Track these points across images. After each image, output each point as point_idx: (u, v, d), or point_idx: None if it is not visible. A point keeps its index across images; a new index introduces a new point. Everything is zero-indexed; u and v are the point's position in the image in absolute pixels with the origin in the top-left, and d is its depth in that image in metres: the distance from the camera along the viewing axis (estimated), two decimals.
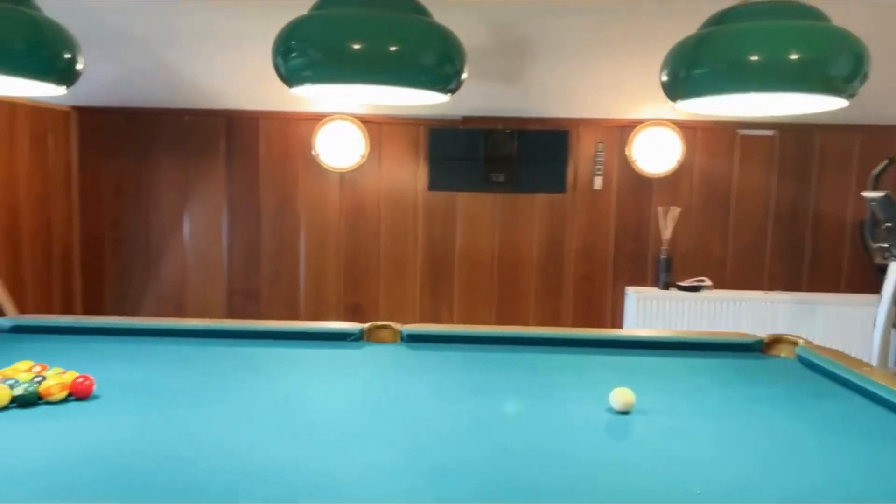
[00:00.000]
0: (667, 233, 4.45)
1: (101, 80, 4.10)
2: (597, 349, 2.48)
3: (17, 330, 2.68)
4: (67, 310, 4.49)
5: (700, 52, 1.66)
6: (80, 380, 1.91)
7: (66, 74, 1.80)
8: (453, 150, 4.46)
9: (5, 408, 1.81)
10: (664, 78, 1.76)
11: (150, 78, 4.12)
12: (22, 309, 4.02)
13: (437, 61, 1.65)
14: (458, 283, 4.58)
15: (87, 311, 4.55)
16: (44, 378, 1.90)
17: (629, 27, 3.41)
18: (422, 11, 1.67)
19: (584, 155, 4.51)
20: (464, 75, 1.74)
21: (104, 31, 3.59)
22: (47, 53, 1.73)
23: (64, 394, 1.88)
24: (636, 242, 4.57)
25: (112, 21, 3.51)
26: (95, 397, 1.91)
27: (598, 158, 4.50)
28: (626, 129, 4.48)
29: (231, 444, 1.56)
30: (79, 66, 1.83)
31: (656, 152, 4.47)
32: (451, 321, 4.52)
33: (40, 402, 1.85)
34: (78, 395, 1.89)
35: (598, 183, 4.53)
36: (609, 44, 3.60)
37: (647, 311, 4.33)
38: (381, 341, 2.55)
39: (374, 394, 1.96)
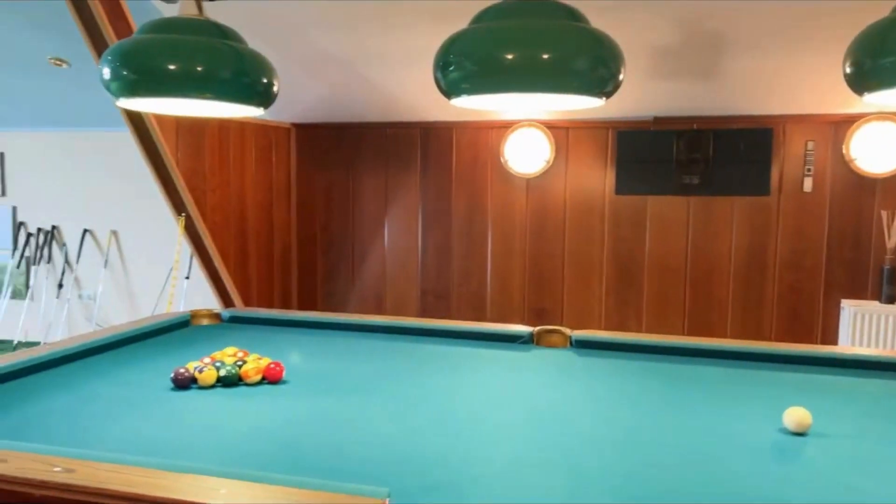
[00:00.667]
0: (892, 241, 3.93)
1: (315, 99, 4.57)
2: (796, 366, 2.29)
3: (234, 320, 3.08)
4: (285, 303, 5.04)
5: (889, 38, 1.49)
6: (272, 366, 2.16)
7: (264, 98, 2.05)
8: (643, 153, 4.32)
9: (212, 386, 2.11)
10: (847, 69, 1.60)
11: (356, 95, 4.51)
12: (247, 301, 4.60)
13: (591, 66, 1.65)
14: (647, 290, 4.43)
15: (302, 306, 5.08)
16: (244, 362, 2.18)
17: (840, 11, 3.08)
18: (577, 17, 1.68)
19: (790, 154, 4.14)
20: (620, 77, 1.71)
21: (316, 54, 4.00)
22: (248, 80, 1.99)
23: (258, 377, 2.14)
24: (854, 250, 4.09)
25: (322, 45, 3.90)
26: (284, 382, 2.15)
27: (808, 158, 4.10)
28: (841, 124, 4.03)
29: (390, 433, 1.68)
30: (275, 90, 2.08)
31: (880, 150, 3.97)
32: (638, 329, 4.38)
33: (240, 383, 2.13)
34: (270, 379, 2.15)
35: (808, 185, 4.12)
36: (819, 30, 3.28)
37: (866, 327, 3.86)
38: (551, 346, 2.57)
39: (533, 395, 1.99)
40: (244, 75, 1.98)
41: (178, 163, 3.90)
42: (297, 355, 2.44)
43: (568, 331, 2.57)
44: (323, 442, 1.64)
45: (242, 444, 1.64)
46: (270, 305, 4.85)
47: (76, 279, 5.65)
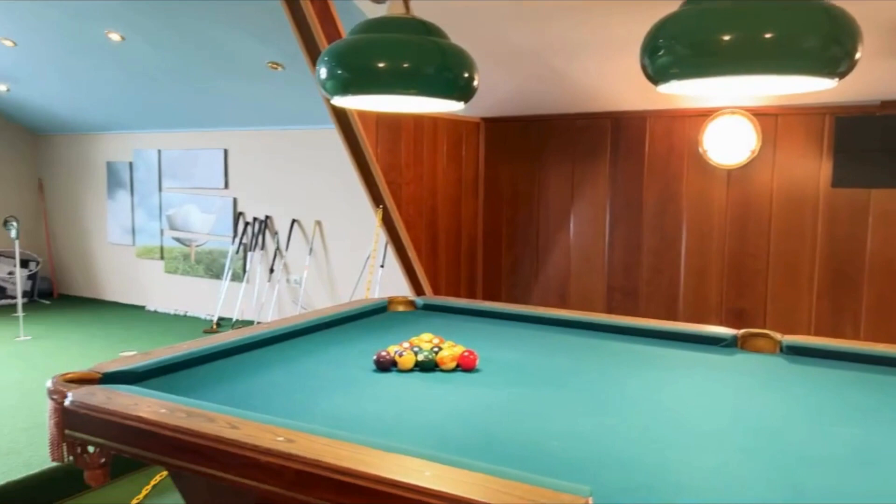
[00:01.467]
0: None
1: (505, 92, 4.60)
2: None
3: (427, 308, 3.19)
4: (471, 294, 5.15)
5: None
6: (466, 354, 2.21)
7: (464, 92, 2.09)
8: (867, 141, 3.86)
9: (410, 370, 2.19)
10: None
11: (546, 87, 4.48)
12: (436, 290, 4.75)
13: (823, 43, 1.49)
14: (867, 295, 3.96)
15: (485, 296, 5.16)
16: (440, 349, 2.24)
17: None
18: None
19: None
20: (857, 55, 1.53)
21: (508, 48, 4.03)
22: (451, 75, 2.03)
23: (453, 364, 2.19)
24: None
25: (514, 39, 3.92)
26: (477, 370, 2.19)
27: None
28: None
29: (586, 430, 1.65)
30: (475, 84, 2.11)
31: None
32: (855, 338, 3.93)
33: (436, 368, 2.20)
34: (464, 366, 2.19)
35: None
36: None
37: None
38: (757, 350, 2.38)
39: (740, 402, 1.85)
40: (447, 70, 2.03)
41: (377, 158, 4.11)
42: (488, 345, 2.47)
43: (778, 335, 2.37)
44: (517, 432, 1.64)
45: (439, 428, 1.69)
46: (457, 295, 4.98)
47: (285, 265, 6.19)
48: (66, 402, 1.78)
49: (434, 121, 4.63)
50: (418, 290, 4.68)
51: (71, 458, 1.82)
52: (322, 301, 6.03)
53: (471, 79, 2.09)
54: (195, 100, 5.94)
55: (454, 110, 2.12)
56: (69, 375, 1.95)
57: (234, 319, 6.29)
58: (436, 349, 2.24)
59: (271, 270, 6.22)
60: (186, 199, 6.73)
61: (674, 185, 4.47)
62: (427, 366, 2.19)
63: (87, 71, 5.81)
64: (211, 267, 6.63)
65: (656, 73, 1.72)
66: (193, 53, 5.10)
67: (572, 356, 2.35)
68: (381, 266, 5.62)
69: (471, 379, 2.11)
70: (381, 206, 4.33)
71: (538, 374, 2.14)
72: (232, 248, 6.44)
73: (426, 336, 2.41)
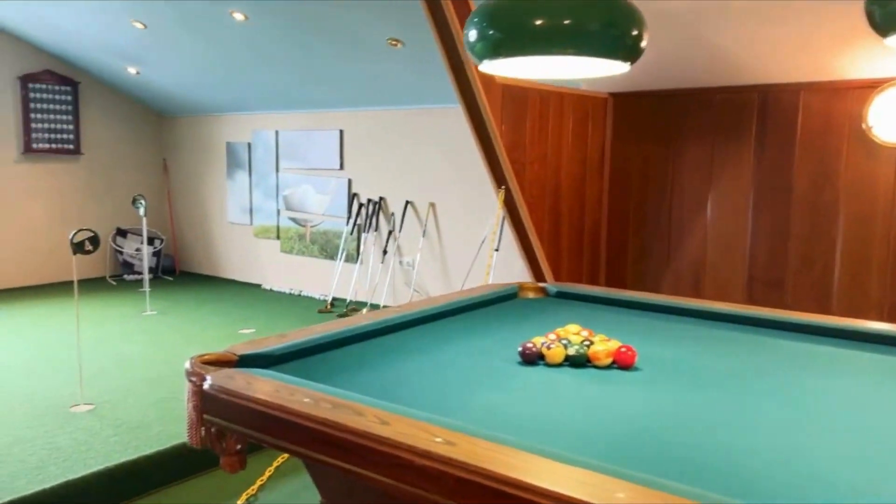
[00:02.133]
0: None
1: (637, 64, 4.26)
2: None
3: (561, 296, 2.97)
4: (592, 280, 4.87)
5: None
6: (624, 350, 1.97)
7: (632, 52, 1.84)
8: None
9: (559, 364, 1.98)
10: None
11: (685, 58, 4.12)
12: (557, 277, 4.51)
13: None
14: None
15: (609, 283, 4.86)
16: (591, 343, 2.02)
17: None
18: None
19: None
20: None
21: (646, 13, 3.70)
22: (617, 32, 1.79)
23: (609, 360, 1.96)
24: None
25: (656, 5, 3.59)
26: (636, 369, 1.95)
27: None
28: None
29: (774, 444, 1.39)
30: (643, 44, 1.86)
31: None
32: None
33: (588, 364, 1.98)
34: (621, 363, 1.96)
35: None
36: None
37: None
38: None
39: None
40: (613, 27, 1.78)
41: (501, 135, 3.91)
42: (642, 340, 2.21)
43: None
44: (691, 444, 1.40)
45: (606, 434, 1.47)
46: (579, 282, 4.71)
47: (398, 247, 6.11)
48: (205, 386, 1.69)
49: (560, 96, 4.37)
50: (538, 275, 4.45)
51: (208, 443, 1.73)
52: (435, 284, 5.92)
53: (639, 37, 1.84)
54: (313, 80, 5.93)
55: (618, 73, 1.87)
56: (206, 357, 1.87)
57: (347, 300, 6.29)
58: (587, 342, 2.02)
59: (384, 252, 6.16)
60: (302, 180, 6.78)
61: (830, 165, 4.01)
62: (578, 360, 1.97)
63: (210, 52, 5.91)
64: (325, 247, 6.66)
65: (884, 22, 1.41)
66: (314, 33, 5.05)
67: (745, 357, 2.06)
68: (496, 250, 5.42)
69: (630, 378, 1.88)
70: (502, 187, 4.12)
71: (705, 376, 1.88)
72: (346, 229, 6.43)
73: (573, 327, 2.19)
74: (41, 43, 6.80)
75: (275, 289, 7.08)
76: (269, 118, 7.02)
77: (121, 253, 7.64)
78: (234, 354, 1.91)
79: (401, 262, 6.11)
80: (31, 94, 6.93)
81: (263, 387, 1.63)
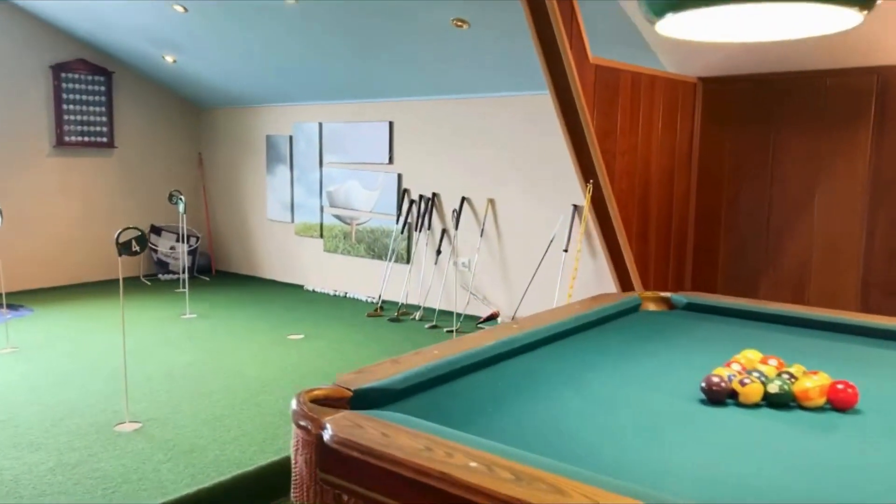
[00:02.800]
0: None
1: (732, 45, 3.81)
2: None
3: (692, 308, 2.53)
4: (679, 286, 4.42)
5: None
6: (842, 387, 1.54)
7: None
8: None
9: (756, 404, 1.56)
10: None
11: (787, 38, 3.65)
12: (644, 283, 4.06)
13: None
14: None
15: (697, 289, 4.41)
16: (793, 376, 1.59)
17: None
18: None
19: None
20: None
21: None
22: None
23: (822, 400, 1.53)
24: None
25: None
26: (856, 411, 1.52)
27: None
28: None
29: None
30: None
31: None
32: None
33: (792, 404, 1.55)
34: (838, 404, 1.53)
35: None
36: None
37: None
38: None
39: None
40: None
41: (593, 122, 3.47)
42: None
43: None
44: None
45: (814, 493, 1.04)
46: (664, 288, 4.26)
47: (453, 247, 5.69)
48: (326, 437, 1.28)
49: (652, 79, 3.92)
50: (624, 282, 4.02)
51: None
52: (494, 287, 5.49)
53: None
54: (362, 68, 5.53)
55: (848, 27, 1.43)
56: (315, 393, 1.46)
57: (399, 304, 5.89)
58: (788, 377, 1.59)
59: (438, 252, 5.74)
60: (348, 175, 6.39)
61: None
62: (781, 400, 1.55)
63: (253, 38, 5.53)
64: (373, 247, 6.26)
65: None
66: (368, 14, 4.64)
67: None
68: (565, 251, 4.99)
69: (854, 424, 1.45)
70: (590, 182, 3.69)
71: None
72: (396, 228, 6.03)
73: (753, 354, 1.77)
74: (74, 30, 6.47)
75: (318, 290, 6.70)
76: (312, 110, 6.63)
77: (155, 251, 7.30)
78: (348, 389, 1.51)
79: (456, 264, 5.70)
80: (64, 85, 6.60)
81: (407, 442, 1.22)
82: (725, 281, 4.34)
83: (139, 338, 4.92)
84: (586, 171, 3.67)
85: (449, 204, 5.74)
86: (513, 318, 5.29)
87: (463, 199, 5.61)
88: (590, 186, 3.69)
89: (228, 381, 4.01)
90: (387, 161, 6.06)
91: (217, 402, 3.67)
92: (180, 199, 5.76)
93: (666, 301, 2.60)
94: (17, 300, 6.08)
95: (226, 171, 7.61)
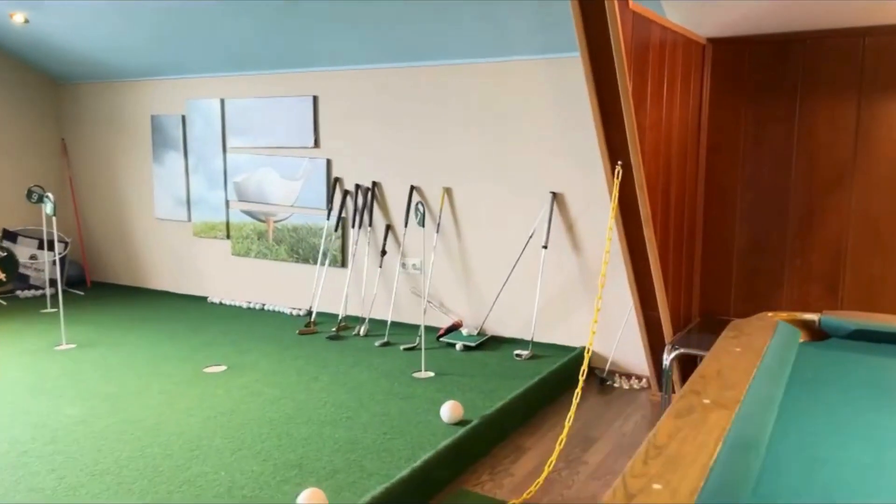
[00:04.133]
0: None
1: (749, 2, 3.17)
2: None
3: (859, 336, 1.82)
4: (688, 292, 3.77)
5: None
6: None
7: None
8: None
9: None
10: None
11: None
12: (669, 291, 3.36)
13: None
14: None
15: (707, 286, 3.79)
16: None
17: None
18: None
19: None
20: None
21: None
22: None
23: None
24: None
25: None
26: None
27: None
28: None
29: None
30: None
31: None
32: None
33: None
34: None
35: None
36: None
37: None
38: None
39: None
40: None
41: (632, 87, 2.70)
42: None
43: None
44: None
45: None
46: (677, 302, 3.60)
47: (402, 246, 4.78)
48: None
49: (675, 36, 3.20)
50: (645, 290, 3.31)
51: None
52: (455, 293, 4.64)
53: None
54: (275, 30, 4.47)
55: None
56: None
57: (338, 316, 4.89)
58: None
59: (383, 253, 4.81)
60: (261, 162, 5.29)
61: None
62: None
63: None
64: (296, 248, 5.22)
65: None
66: None
67: None
68: (545, 247, 4.22)
69: None
70: (619, 163, 2.92)
71: None
72: (327, 224, 5.02)
73: None
74: None
75: (226, 302, 5.56)
76: (211, 83, 5.46)
77: None
78: None
79: (404, 266, 4.79)
80: None
81: None
82: (741, 276, 3.74)
83: (1, 383, 3.67)
84: (615, 150, 2.90)
85: (393, 194, 4.81)
86: (480, 329, 4.47)
87: (412, 188, 4.70)
88: (618, 170, 2.92)
89: (140, 445, 2.92)
90: (311, 144, 5.03)
91: (130, 483, 2.59)
92: (46, 196, 4.46)
93: (809, 326, 1.87)
94: None
95: (98, 161, 6.24)
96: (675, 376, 3.61)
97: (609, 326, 4.10)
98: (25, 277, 5.88)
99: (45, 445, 2.93)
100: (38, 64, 5.99)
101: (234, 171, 5.43)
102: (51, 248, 5.96)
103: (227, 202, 5.52)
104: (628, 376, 4.09)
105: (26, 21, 5.09)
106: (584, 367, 2.94)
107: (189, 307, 5.46)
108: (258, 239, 5.40)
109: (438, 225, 4.62)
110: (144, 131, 5.89)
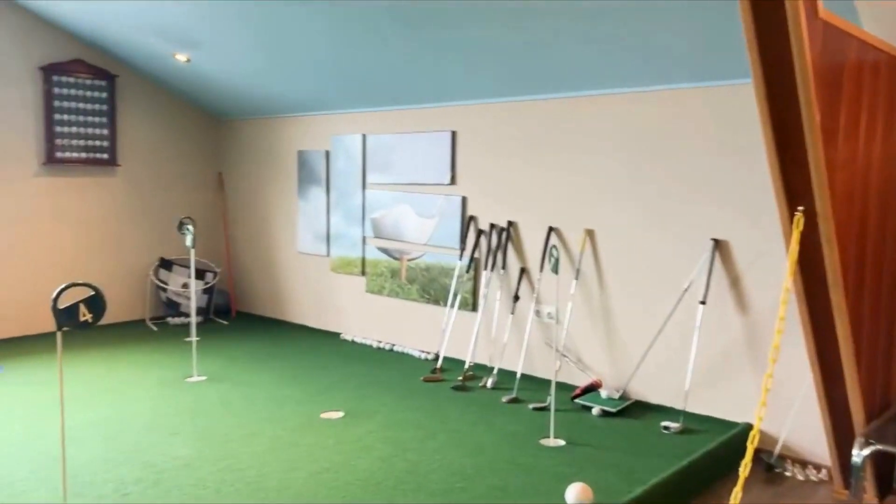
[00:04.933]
0: None
1: None
2: None
3: None
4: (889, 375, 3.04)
5: None
6: None
7: None
8: None
9: None
10: None
11: None
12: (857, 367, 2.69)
13: None
14: None
15: None
16: None
17: None
18: None
19: None
20: None
21: None
22: None
23: None
24: None
25: None
26: None
27: None
28: None
29: None
30: None
31: None
32: None
33: None
34: None
35: None
36: None
37: None
38: None
39: None
40: None
41: (820, 116, 2.16)
42: None
43: None
44: None
45: None
46: (872, 382, 2.89)
47: (536, 292, 4.37)
48: None
49: (877, 54, 2.59)
50: (828, 369, 2.68)
51: None
52: (594, 348, 4.15)
53: None
54: (416, 65, 4.29)
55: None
56: None
57: (465, 364, 4.57)
58: None
59: (516, 298, 4.43)
60: (398, 199, 5.13)
61: None
62: None
63: (285, 30, 4.33)
64: (428, 288, 4.98)
65: None
66: None
67: None
68: (703, 303, 3.64)
69: None
70: (799, 209, 2.36)
71: None
72: (459, 265, 4.74)
73: None
74: (70, 25, 5.36)
75: (358, 340, 5.42)
76: (354, 119, 5.42)
77: (164, 290, 6.11)
78: None
79: (538, 314, 4.38)
80: (56, 90, 5.48)
81: None
82: None
83: (124, 417, 3.68)
84: (794, 192, 2.35)
85: (530, 236, 4.44)
86: (622, 393, 3.94)
87: (550, 229, 4.30)
88: (799, 217, 2.36)
89: (235, 499, 2.73)
90: (447, 181, 4.80)
91: None
92: (188, 228, 4.54)
93: None
94: None
95: (250, 195, 6.42)
96: (869, 475, 2.89)
97: (781, 399, 3.41)
98: (177, 305, 6.12)
99: (147, 489, 2.82)
100: (198, 101, 6.29)
101: (372, 207, 5.32)
102: (200, 277, 6.17)
103: (363, 238, 5.41)
104: (803, 464, 3.38)
105: (188, 60, 5.33)
106: (747, 458, 2.37)
107: (322, 344, 5.37)
108: (391, 277, 5.22)
109: (578, 271, 4.18)
110: (291, 166, 5.97)
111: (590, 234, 4.16)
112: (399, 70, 4.48)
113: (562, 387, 4.15)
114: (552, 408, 3.52)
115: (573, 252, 4.23)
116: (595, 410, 3.80)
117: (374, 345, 5.28)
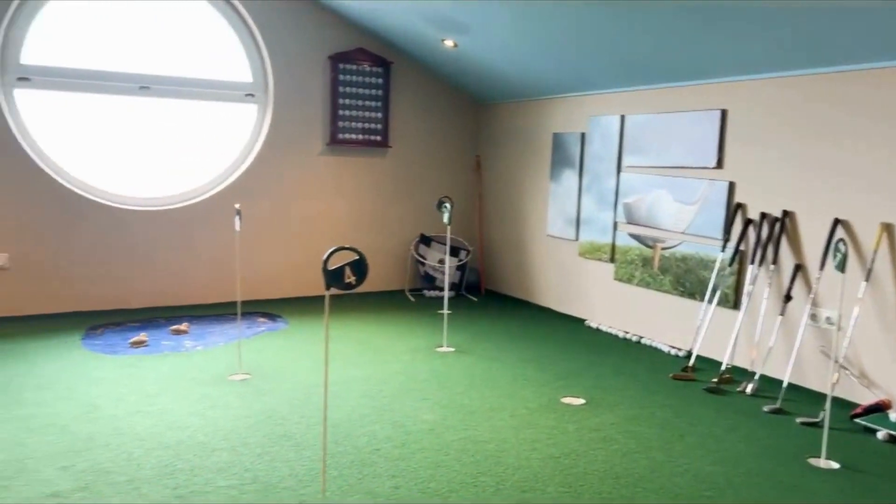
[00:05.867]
0: None
1: None
2: None
3: None
4: None
5: None
6: None
7: None
8: None
9: None
10: None
11: None
12: None
13: None
14: None
15: None
16: None
17: None
18: None
19: None
20: None
21: None
22: None
23: None
24: None
25: None
26: None
27: None
28: None
29: None
30: None
31: None
32: None
33: None
34: None
35: None
36: None
37: None
38: None
39: None
40: None
41: None
42: None
43: None
44: None
45: None
46: None
47: (813, 292, 3.85)
48: None
49: None
50: None
51: None
52: (882, 361, 3.55)
53: None
54: (682, 38, 3.97)
55: None
56: None
57: (721, 365, 4.20)
58: None
59: (787, 298, 3.95)
60: (655, 183, 4.85)
61: None
62: None
63: (544, 7, 4.29)
64: (682, 280, 4.65)
65: None
66: None
67: None
68: None
69: None
70: None
71: None
72: (721, 257, 4.35)
73: None
74: (353, 15, 5.88)
75: (603, 328, 5.26)
76: (612, 99, 5.23)
77: (422, 264, 6.49)
78: None
79: (814, 317, 3.85)
80: (341, 77, 6.06)
81: None
82: None
83: (381, 378, 3.97)
84: None
85: (809, 227, 3.92)
86: None
87: (836, 221, 3.75)
88: None
89: (476, 472, 2.78)
90: (714, 164, 4.41)
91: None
92: (446, 206, 4.75)
93: None
94: (277, 309, 5.63)
95: (504, 177, 6.54)
96: None
97: None
98: (433, 279, 6.47)
99: (395, 448, 3.00)
100: (461, 86, 6.54)
101: (626, 191, 5.10)
102: (454, 254, 6.45)
103: (614, 224, 5.22)
104: None
105: (455, 46, 5.55)
106: None
107: (566, 329, 5.31)
108: (642, 265, 4.97)
109: (870, 271, 3.58)
110: (545, 149, 5.96)
111: (887, 228, 3.54)
112: (662, 44, 4.20)
113: (838, 402, 3.61)
114: (825, 425, 3.07)
115: (864, 249, 3.64)
116: (881, 434, 3.25)
117: (620, 335, 5.08)
